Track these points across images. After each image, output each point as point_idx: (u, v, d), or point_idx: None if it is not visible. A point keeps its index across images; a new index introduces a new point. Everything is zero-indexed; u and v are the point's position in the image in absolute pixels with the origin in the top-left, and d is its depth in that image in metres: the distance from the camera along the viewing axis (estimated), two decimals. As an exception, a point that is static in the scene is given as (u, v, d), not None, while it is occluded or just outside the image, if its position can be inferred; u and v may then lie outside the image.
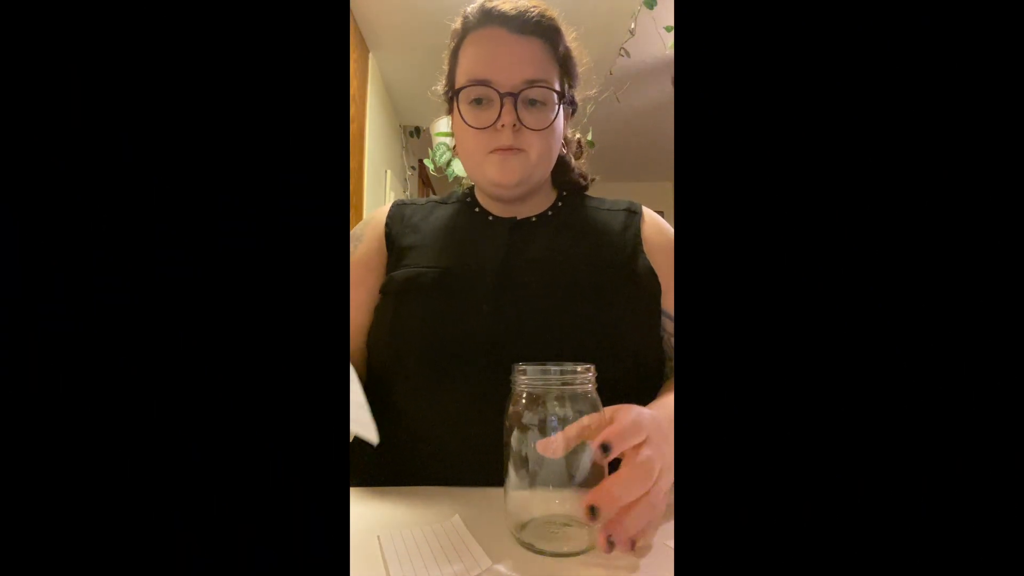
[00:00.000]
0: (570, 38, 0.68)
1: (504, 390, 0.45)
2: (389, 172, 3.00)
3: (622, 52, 2.06)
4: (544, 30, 0.64)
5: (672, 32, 1.98)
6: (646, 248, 0.67)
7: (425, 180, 3.91)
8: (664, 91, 2.89)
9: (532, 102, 0.63)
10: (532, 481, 0.40)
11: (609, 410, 0.41)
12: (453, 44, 0.68)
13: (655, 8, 1.94)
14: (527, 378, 0.41)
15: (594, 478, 0.40)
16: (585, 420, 0.39)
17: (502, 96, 0.62)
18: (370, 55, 2.58)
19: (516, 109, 0.62)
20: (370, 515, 0.48)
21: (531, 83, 0.62)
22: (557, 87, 0.65)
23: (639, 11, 1.97)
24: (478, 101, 0.64)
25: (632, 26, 2.03)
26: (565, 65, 0.67)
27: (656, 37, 2.23)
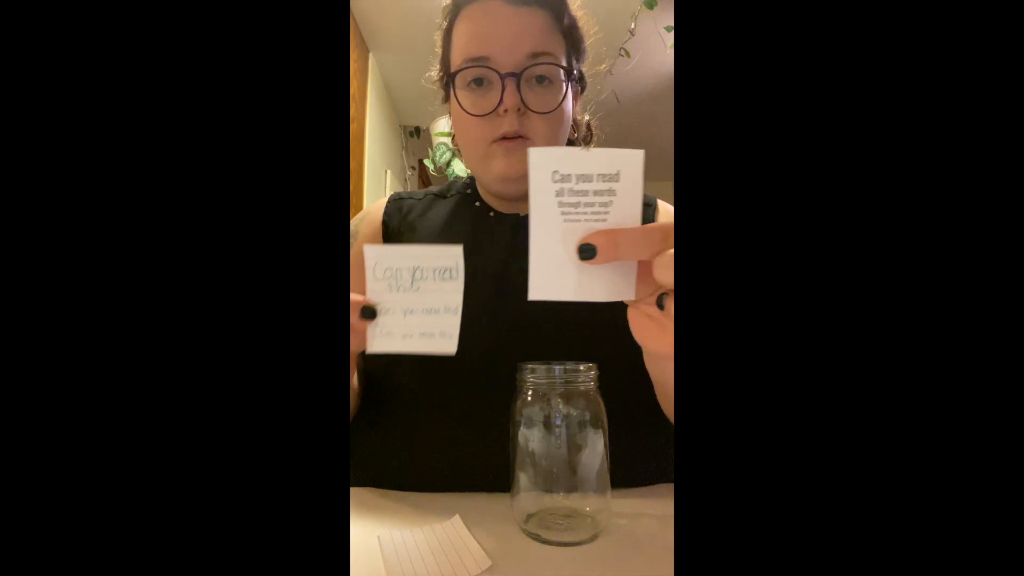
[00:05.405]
0: (575, 5, 0.61)
1: (502, 402, 0.45)
2: (389, 172, 3.00)
3: (622, 52, 2.06)
4: None
5: (672, 32, 1.99)
6: None
7: (425, 180, 3.91)
8: (664, 91, 2.89)
9: (539, 79, 0.57)
10: (537, 475, 0.42)
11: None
12: (446, 23, 0.62)
13: (655, 8, 1.94)
14: (533, 376, 0.43)
15: (596, 474, 0.42)
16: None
17: (503, 77, 0.55)
18: (370, 55, 2.58)
19: (519, 90, 0.55)
20: (370, 515, 0.48)
21: (535, 58, 0.56)
22: (563, 63, 0.58)
23: (639, 11, 1.97)
24: (477, 82, 0.57)
25: (632, 26, 2.03)
26: (571, 37, 0.60)
27: (656, 37, 2.23)
